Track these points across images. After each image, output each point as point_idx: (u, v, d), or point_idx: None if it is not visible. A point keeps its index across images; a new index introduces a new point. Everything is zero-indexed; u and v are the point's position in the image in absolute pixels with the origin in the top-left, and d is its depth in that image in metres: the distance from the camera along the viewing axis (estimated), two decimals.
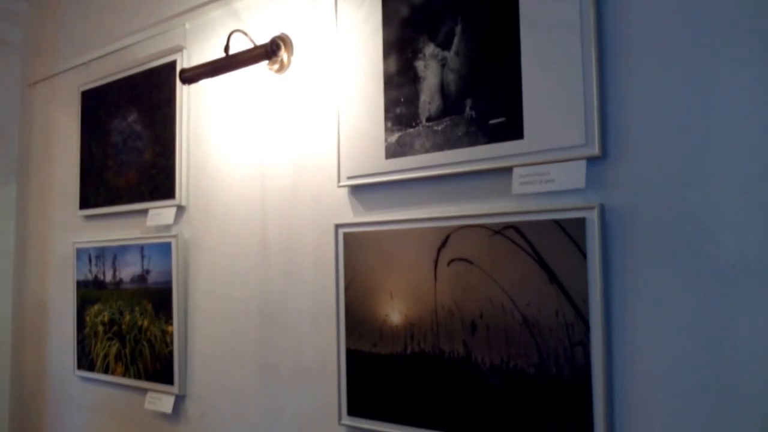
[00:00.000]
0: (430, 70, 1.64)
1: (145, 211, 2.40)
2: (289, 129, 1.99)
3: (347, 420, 1.75)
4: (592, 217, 1.36)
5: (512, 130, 1.48)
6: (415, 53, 1.67)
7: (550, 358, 1.40)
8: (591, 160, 1.38)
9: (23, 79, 3.12)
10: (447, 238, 1.58)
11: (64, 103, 2.88)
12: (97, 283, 2.59)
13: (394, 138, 1.70)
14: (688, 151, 1.26)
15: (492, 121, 1.52)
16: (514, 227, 1.47)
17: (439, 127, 1.61)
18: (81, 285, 2.66)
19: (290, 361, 1.94)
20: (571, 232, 1.38)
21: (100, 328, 2.56)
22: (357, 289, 1.75)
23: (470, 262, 1.53)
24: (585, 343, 1.35)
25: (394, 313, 1.67)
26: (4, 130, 3.08)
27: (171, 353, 2.25)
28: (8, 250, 3.04)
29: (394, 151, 1.70)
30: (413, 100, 1.67)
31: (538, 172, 1.44)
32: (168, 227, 2.34)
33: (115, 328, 2.50)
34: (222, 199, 2.17)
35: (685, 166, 1.26)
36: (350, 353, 1.76)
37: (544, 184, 1.43)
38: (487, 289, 1.50)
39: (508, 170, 1.48)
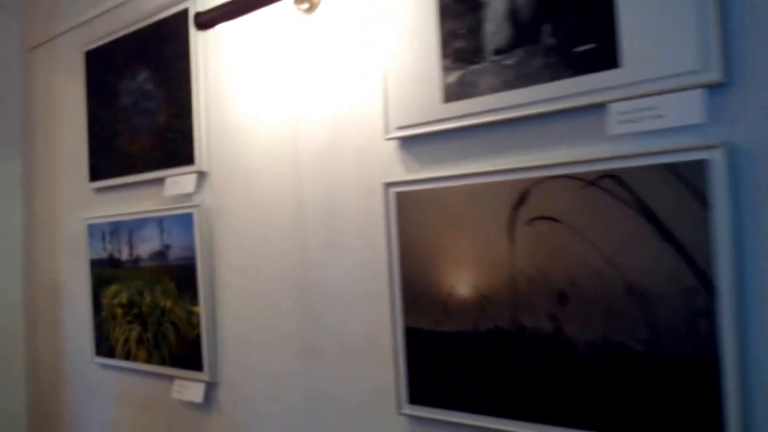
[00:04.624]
0: None
1: (161, 180, 2.16)
2: (324, 77, 1.74)
3: (408, 409, 1.52)
4: (716, 158, 1.10)
5: (605, 57, 1.22)
6: None
7: (663, 332, 1.15)
8: (711, 89, 1.11)
9: (22, 44, 2.87)
10: (526, 193, 1.32)
11: (67, 66, 2.63)
12: (113, 262, 2.36)
13: (453, 78, 1.44)
14: None
15: (578, 49, 1.25)
16: (613, 176, 1.21)
17: (510, 61, 1.35)
18: (95, 264, 2.44)
19: (335, 341, 1.70)
20: (688, 177, 1.12)
21: (119, 311, 2.34)
22: (414, 257, 1.51)
23: (556, 221, 1.28)
24: (710, 312, 1.10)
25: (462, 284, 1.42)
26: (4, 100, 2.83)
27: (198, 336, 2.02)
28: (16, 230, 2.82)
29: (453, 93, 1.43)
30: (475, 31, 1.40)
31: (643, 106, 1.17)
32: (188, 196, 2.09)
33: (135, 310, 2.28)
34: (249, 161, 1.92)
35: None
36: (409, 332, 1.51)
37: (650, 120, 1.16)
38: (579, 252, 1.24)
39: (601, 107, 1.22)
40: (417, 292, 1.50)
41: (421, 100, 1.49)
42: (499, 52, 1.36)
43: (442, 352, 1.46)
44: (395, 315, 1.54)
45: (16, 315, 2.80)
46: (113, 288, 2.35)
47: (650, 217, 1.16)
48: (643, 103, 1.17)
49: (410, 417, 1.53)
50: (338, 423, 1.70)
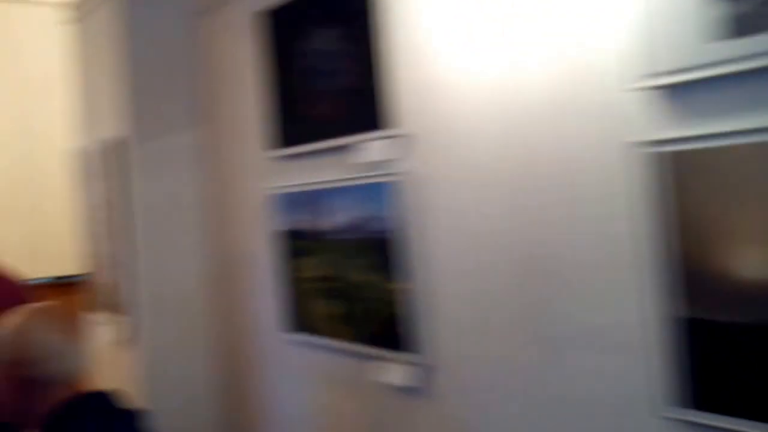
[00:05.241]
0: None
1: (350, 147, 2.00)
2: (549, 14, 1.47)
3: (684, 413, 1.26)
4: None
5: None
6: None
7: None
8: None
9: (191, 8, 2.79)
10: None
11: (239, 30, 2.51)
12: (303, 235, 2.25)
13: (730, 9, 1.12)
14: None
15: None
16: None
17: None
18: (283, 237, 2.34)
19: (576, 330, 1.46)
20: None
21: (310, 285, 2.23)
22: (688, 233, 1.23)
23: None
24: None
25: (756, 265, 1.13)
26: (177, 70, 2.79)
27: (405, 315, 1.86)
28: (197, 202, 2.79)
29: (731, 29, 1.13)
30: None
31: None
32: (386, 163, 1.91)
33: (329, 284, 2.14)
34: (458, 122, 1.70)
35: None
36: (686, 323, 1.25)
37: None
38: None
39: None
40: (696, 275, 1.22)
41: (683, 38, 1.20)
42: None
43: (728, 347, 1.18)
44: (659, 301, 1.28)
45: (200, 287, 2.79)
46: (304, 261, 2.24)
47: None
48: None
49: (680, 422, 1.27)
50: (586, 428, 1.47)
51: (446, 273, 1.76)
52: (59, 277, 5.41)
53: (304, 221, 2.23)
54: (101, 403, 1.50)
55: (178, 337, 2.71)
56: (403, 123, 1.84)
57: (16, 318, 1.50)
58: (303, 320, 2.28)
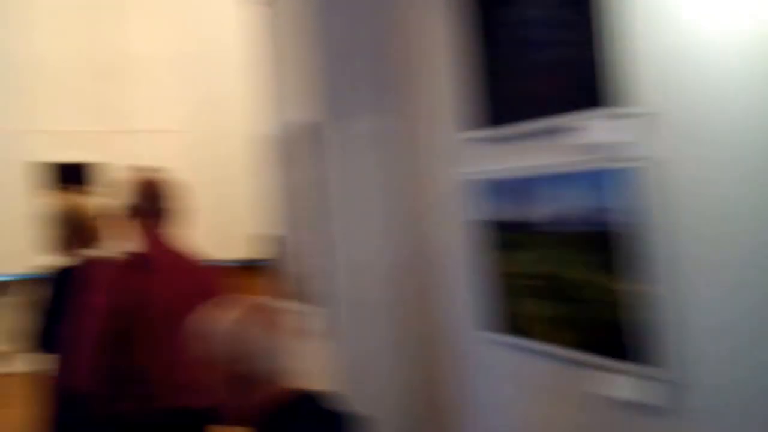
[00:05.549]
0: None
1: (571, 127, 1.76)
2: None
3: None
4: None
5: None
6: None
7: None
8: None
9: None
10: None
11: (437, 1, 2.35)
12: (508, 225, 2.04)
13: None
14: None
15: None
16: None
17: None
18: (485, 227, 2.14)
19: None
20: None
21: (517, 282, 2.02)
22: None
23: None
24: None
25: None
26: (369, 50, 2.66)
27: (639, 321, 1.60)
28: (388, 188, 2.66)
29: None
30: None
31: None
32: (615, 146, 1.65)
33: (541, 282, 1.93)
34: (724, 96, 1.41)
35: None
36: None
37: None
38: None
39: None
40: None
41: None
42: None
43: None
44: None
45: (389, 278, 2.67)
46: (509, 255, 2.04)
47: None
48: None
49: None
50: None
51: (701, 275, 1.48)
52: (241, 261, 5.64)
53: (510, 211, 2.03)
54: (316, 405, 1.43)
55: (372, 331, 2.60)
56: (639, 99, 1.58)
57: (229, 312, 1.45)
58: (506, 320, 2.08)
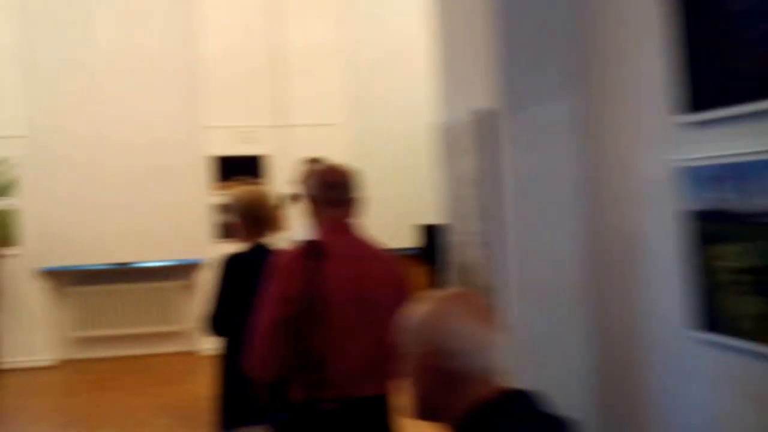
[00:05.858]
0: None
1: None
2: None
3: None
4: None
5: None
6: None
7: None
8: None
9: None
10: None
11: None
12: (724, 216, 1.82)
13: None
14: None
15: None
16: None
17: None
18: (695, 217, 1.93)
19: None
20: None
21: (733, 277, 1.80)
22: None
23: None
24: None
25: None
26: (551, 31, 2.51)
27: None
28: (574, 177, 2.50)
29: None
30: None
31: None
32: None
33: (753, 277, 1.71)
34: None
35: None
36: None
37: None
38: None
39: None
40: None
41: None
42: None
43: None
44: None
45: (574, 271, 2.51)
46: (728, 248, 1.82)
47: None
48: None
49: None
50: None
51: None
52: (404, 249, 5.69)
53: (728, 200, 1.80)
54: (527, 406, 1.31)
55: (552, 326, 2.47)
56: None
57: (427, 304, 1.37)
58: (719, 318, 1.87)
